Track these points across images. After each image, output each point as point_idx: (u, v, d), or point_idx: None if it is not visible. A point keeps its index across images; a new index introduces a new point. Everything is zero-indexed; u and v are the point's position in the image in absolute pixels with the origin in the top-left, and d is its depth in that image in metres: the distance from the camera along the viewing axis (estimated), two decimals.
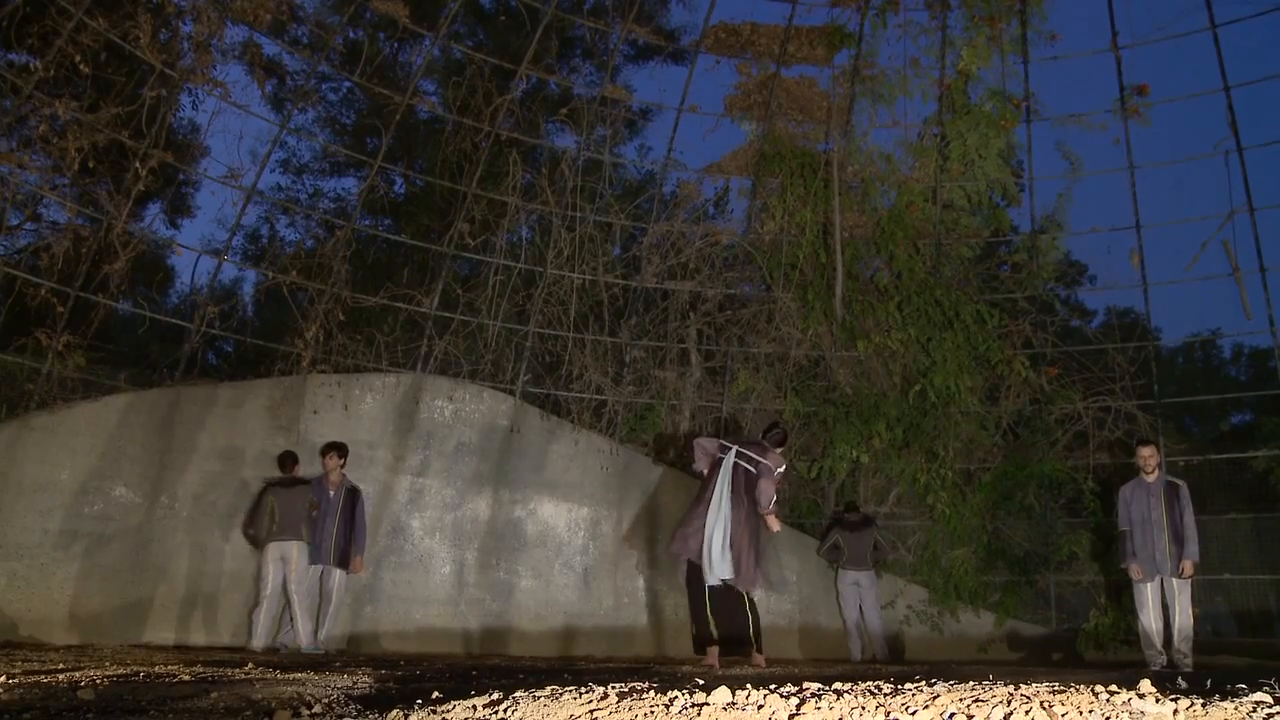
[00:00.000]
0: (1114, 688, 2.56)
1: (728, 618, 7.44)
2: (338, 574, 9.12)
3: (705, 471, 7.78)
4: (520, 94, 12.29)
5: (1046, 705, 2.24)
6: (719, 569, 7.33)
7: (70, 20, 9.31)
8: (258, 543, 8.89)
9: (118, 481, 9.14)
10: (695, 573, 7.52)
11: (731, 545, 7.36)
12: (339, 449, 9.29)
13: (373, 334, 11.26)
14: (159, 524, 9.27)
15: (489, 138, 11.85)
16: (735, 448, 7.72)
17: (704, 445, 7.86)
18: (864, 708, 2.31)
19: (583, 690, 2.54)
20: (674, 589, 10.69)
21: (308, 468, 9.46)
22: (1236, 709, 2.31)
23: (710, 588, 7.39)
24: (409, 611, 10.11)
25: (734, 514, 7.42)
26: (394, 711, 2.46)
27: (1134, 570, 8.52)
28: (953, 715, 2.21)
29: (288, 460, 9.12)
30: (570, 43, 14.30)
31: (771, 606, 10.36)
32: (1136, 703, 2.31)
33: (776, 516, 7.74)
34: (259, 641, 8.59)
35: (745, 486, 7.57)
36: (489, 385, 11.35)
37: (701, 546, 7.40)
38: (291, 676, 3.96)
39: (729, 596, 7.44)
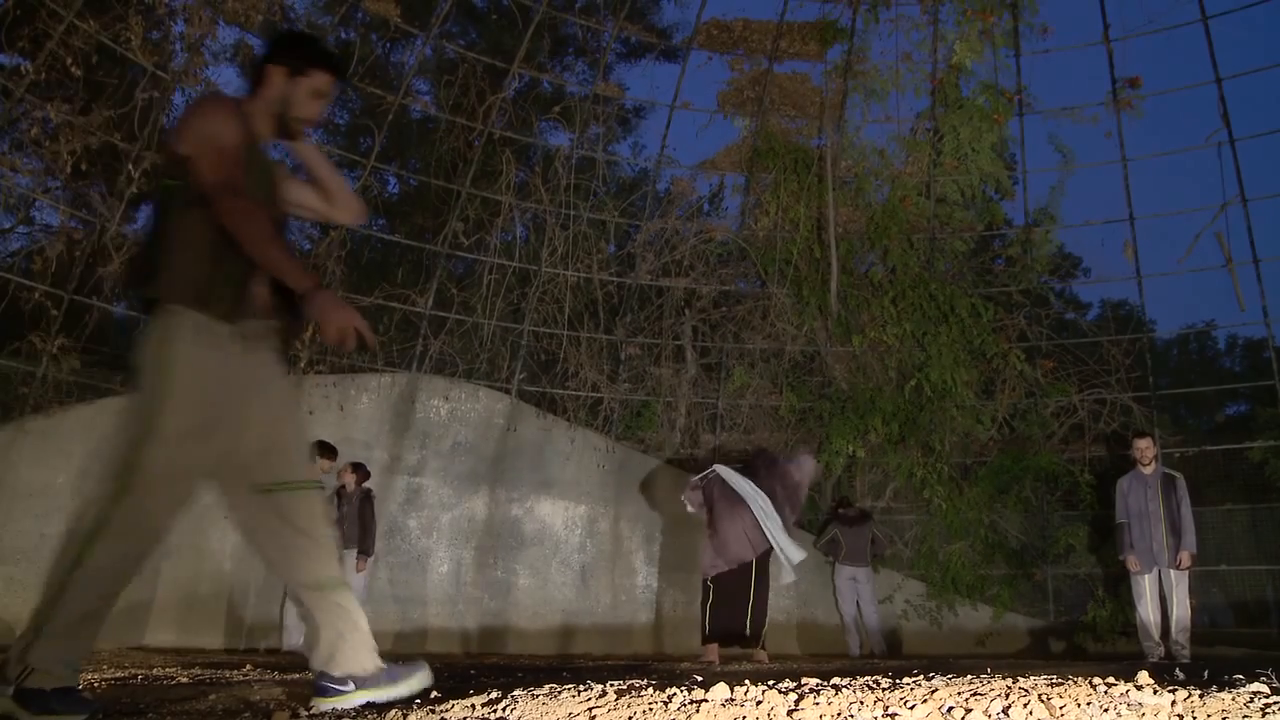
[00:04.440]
0: (1112, 679, 2.57)
1: (732, 614, 7.59)
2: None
3: (701, 502, 8.04)
4: (513, 93, 12.27)
5: (1045, 698, 2.24)
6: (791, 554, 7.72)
7: (61, 23, 9.27)
8: (369, 552, 9.05)
9: None
10: (736, 571, 7.69)
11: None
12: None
13: None
14: None
15: (482, 137, 11.84)
16: (717, 465, 8.11)
17: (691, 494, 8.14)
18: (862, 702, 2.31)
19: (581, 688, 2.54)
20: (672, 585, 10.70)
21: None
22: (1234, 700, 2.32)
23: (760, 588, 7.68)
24: (406, 611, 10.10)
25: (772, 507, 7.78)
26: (392, 711, 2.46)
27: (1131, 562, 8.53)
28: (951, 709, 2.21)
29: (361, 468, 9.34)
30: (562, 41, 14.27)
31: (770, 602, 10.35)
32: (1134, 694, 2.31)
33: None
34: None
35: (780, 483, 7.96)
36: (484, 384, 11.34)
37: (771, 546, 7.68)
38: (289, 677, 3.95)
39: (741, 592, 7.64)
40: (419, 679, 2.89)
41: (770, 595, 7.97)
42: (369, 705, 2.76)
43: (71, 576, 2.58)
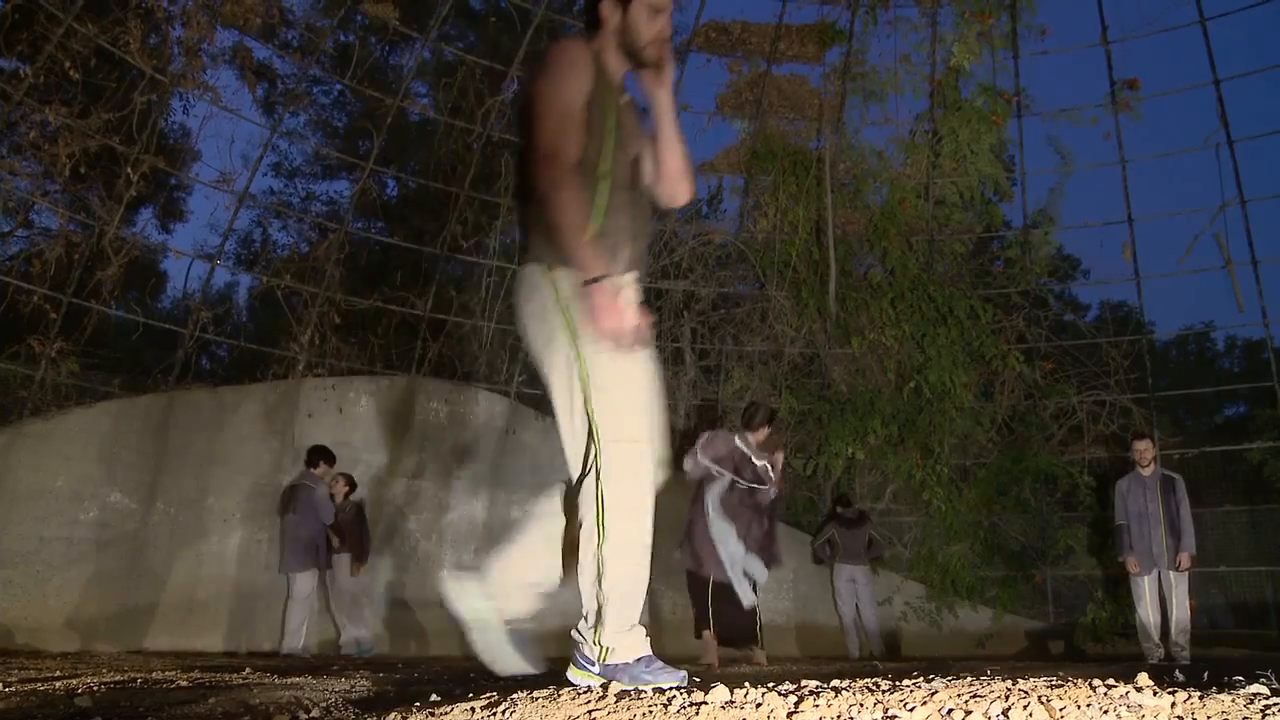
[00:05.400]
0: (1112, 681, 2.57)
1: (731, 613, 7.53)
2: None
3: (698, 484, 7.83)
4: (512, 95, 12.27)
5: (1044, 700, 2.24)
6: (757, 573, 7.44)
7: (60, 26, 9.27)
8: (365, 560, 9.48)
9: (113, 487, 9.12)
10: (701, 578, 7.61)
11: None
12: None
13: (367, 337, 11.24)
14: (154, 529, 9.25)
15: (481, 139, 11.84)
16: (727, 472, 7.78)
17: (698, 465, 7.84)
18: (862, 704, 2.31)
19: (581, 691, 2.54)
20: (670, 588, 10.68)
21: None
22: (1234, 701, 2.32)
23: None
24: (406, 614, 10.09)
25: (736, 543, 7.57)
26: (392, 714, 2.46)
27: (1131, 564, 8.53)
28: (951, 711, 2.21)
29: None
30: None
31: (769, 604, 10.36)
32: (1134, 696, 2.31)
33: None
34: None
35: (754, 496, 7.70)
36: (484, 387, 11.34)
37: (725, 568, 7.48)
38: (289, 681, 3.95)
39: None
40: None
41: (767, 596, 7.91)
42: (367, 708, 2.76)
43: (604, 553, 2.73)
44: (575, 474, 2.93)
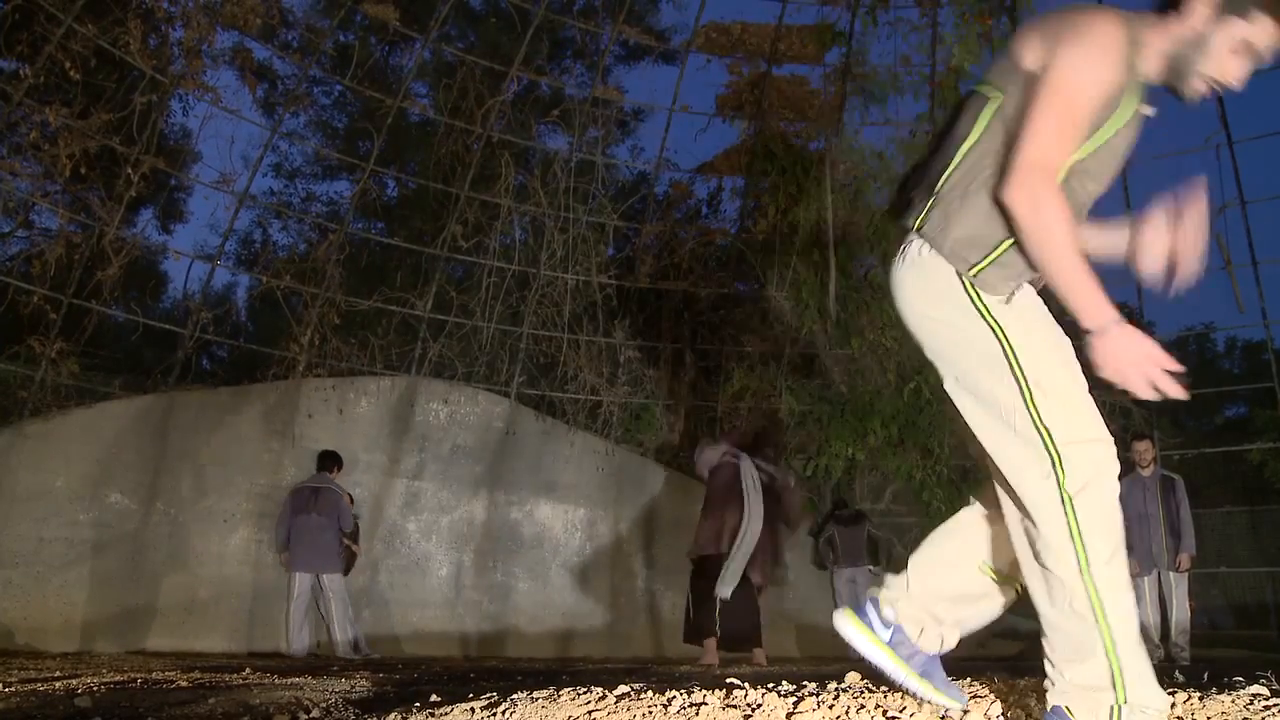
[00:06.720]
0: None
1: (732, 613, 7.55)
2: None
3: (708, 476, 7.94)
4: (511, 96, 12.27)
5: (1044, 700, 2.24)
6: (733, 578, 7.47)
7: (60, 27, 9.28)
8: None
9: (113, 488, 9.12)
10: (708, 569, 7.64)
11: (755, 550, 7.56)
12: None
13: (367, 337, 11.24)
14: (154, 530, 9.25)
15: (481, 140, 11.84)
16: (745, 456, 7.88)
17: (708, 455, 7.96)
18: (862, 705, 2.31)
19: (581, 691, 2.55)
20: (671, 588, 10.68)
21: (305, 472, 9.43)
22: (1234, 702, 2.32)
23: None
24: (406, 615, 10.09)
25: (760, 523, 7.61)
26: (392, 715, 2.46)
27: (1131, 565, 8.52)
28: (950, 711, 2.21)
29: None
30: (561, 44, 14.28)
31: (770, 605, 10.36)
32: None
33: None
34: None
35: (766, 495, 7.77)
36: (484, 387, 11.34)
37: (732, 550, 7.52)
38: (289, 681, 3.96)
39: (741, 593, 7.54)
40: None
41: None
42: (368, 709, 2.76)
43: (1093, 578, 2.17)
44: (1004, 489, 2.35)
